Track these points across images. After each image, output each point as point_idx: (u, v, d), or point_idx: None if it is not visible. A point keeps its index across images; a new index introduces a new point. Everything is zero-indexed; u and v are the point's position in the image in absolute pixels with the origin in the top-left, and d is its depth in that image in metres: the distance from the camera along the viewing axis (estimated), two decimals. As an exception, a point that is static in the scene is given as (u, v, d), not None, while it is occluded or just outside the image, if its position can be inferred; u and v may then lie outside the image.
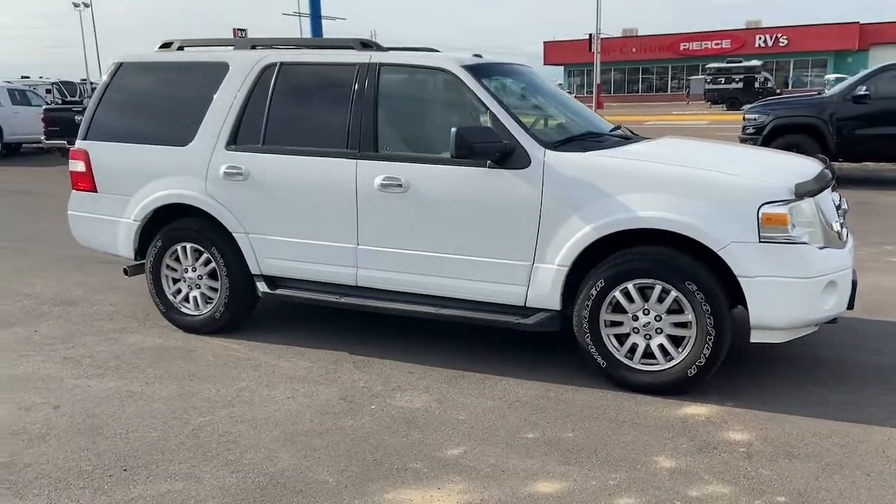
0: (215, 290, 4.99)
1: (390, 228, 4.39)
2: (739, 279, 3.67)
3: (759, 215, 3.64)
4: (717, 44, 56.40)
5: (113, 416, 3.78)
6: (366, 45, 4.76)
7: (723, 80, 41.81)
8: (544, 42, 61.90)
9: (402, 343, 4.77)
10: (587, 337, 4.00)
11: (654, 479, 3.07)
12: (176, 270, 5.11)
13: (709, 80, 42.51)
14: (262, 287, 4.83)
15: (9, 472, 3.21)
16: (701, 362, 3.79)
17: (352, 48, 4.77)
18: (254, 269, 4.84)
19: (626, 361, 3.96)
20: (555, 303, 4.07)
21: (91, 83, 41.00)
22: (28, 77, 35.33)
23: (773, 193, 3.67)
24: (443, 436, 3.49)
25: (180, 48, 5.33)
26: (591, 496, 2.95)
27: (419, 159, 4.35)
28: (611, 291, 3.92)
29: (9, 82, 23.13)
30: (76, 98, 27.33)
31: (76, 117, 16.54)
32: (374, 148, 4.43)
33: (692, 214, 3.72)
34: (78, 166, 5.29)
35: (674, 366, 3.86)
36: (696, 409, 3.75)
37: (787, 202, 3.65)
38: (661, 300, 3.84)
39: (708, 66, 44.87)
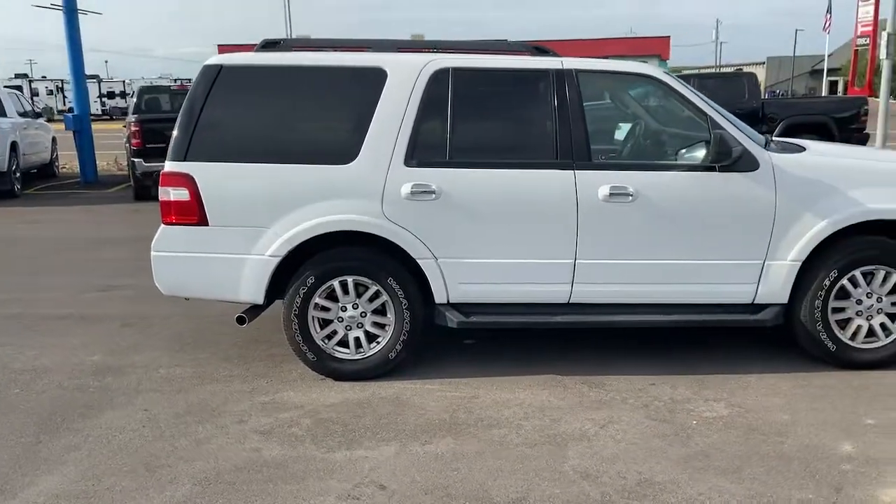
0: (381, 326, 4.34)
1: (616, 240, 4.27)
2: None
3: None
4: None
5: (471, 482, 3.18)
6: (540, 50, 4.54)
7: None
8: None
9: (591, 356, 4.64)
10: (818, 325, 4.35)
11: None
12: (329, 310, 4.32)
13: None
14: (453, 317, 4.31)
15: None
16: (920, 332, 4.38)
17: (524, 53, 4.51)
18: (440, 299, 4.32)
19: (852, 343, 4.40)
20: (784, 297, 4.35)
21: None
22: None
23: None
24: (817, 439, 3.55)
25: (289, 49, 4.50)
26: None
27: (646, 167, 4.31)
28: (840, 280, 4.32)
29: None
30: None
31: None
32: (588, 157, 4.27)
33: (915, 204, 4.27)
34: (178, 195, 4.18)
35: (895, 340, 4.40)
36: (927, 374, 4.33)
37: None
38: (883, 283, 4.34)
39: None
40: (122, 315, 5.70)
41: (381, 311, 4.33)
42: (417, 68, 4.29)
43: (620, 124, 5.65)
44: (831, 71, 54.79)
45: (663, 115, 4.85)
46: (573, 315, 4.36)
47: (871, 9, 27.68)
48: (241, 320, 4.35)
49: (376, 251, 4.27)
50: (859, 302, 4.37)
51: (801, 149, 4.59)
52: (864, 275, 4.34)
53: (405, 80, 4.27)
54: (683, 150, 4.30)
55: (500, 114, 4.42)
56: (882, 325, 4.40)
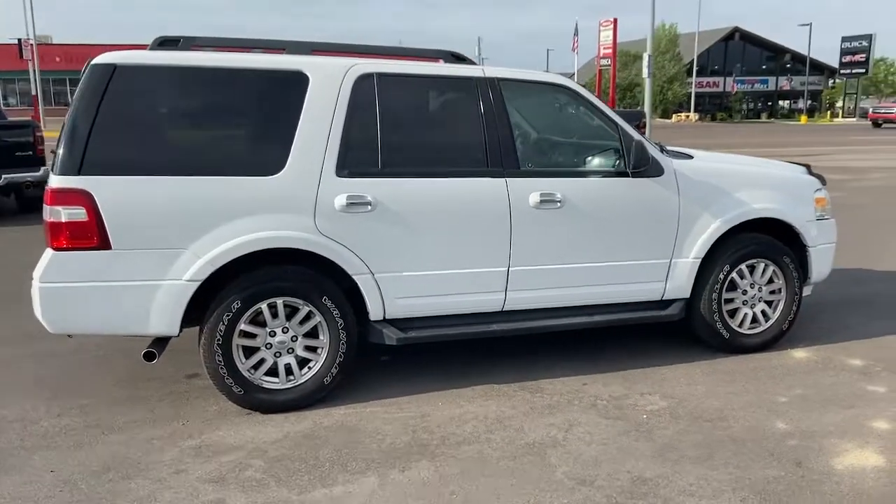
0: (314, 349, 4.04)
1: (547, 246, 4.34)
2: (809, 248, 4.95)
3: (814, 199, 4.98)
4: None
5: (479, 506, 3.04)
6: (457, 57, 4.49)
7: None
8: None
9: (513, 361, 4.67)
10: (715, 315, 4.76)
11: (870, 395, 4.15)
12: (255, 337, 3.91)
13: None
14: (392, 334, 4.12)
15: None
16: (791, 318, 4.96)
17: (439, 59, 4.44)
18: (376, 315, 4.10)
19: (740, 330, 4.87)
20: (687, 292, 4.71)
21: None
22: None
23: (816, 183, 5.07)
24: (753, 420, 3.89)
25: (189, 48, 4.02)
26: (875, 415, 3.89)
27: (570, 173, 4.44)
28: (731, 274, 4.77)
29: None
30: None
31: None
32: (517, 165, 4.31)
33: (783, 203, 4.84)
34: (72, 214, 3.55)
35: (772, 324, 4.94)
36: (801, 353, 4.91)
37: (822, 188, 5.09)
38: (762, 274, 4.86)
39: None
40: (-50, 362, 4.71)
41: (312, 333, 4.01)
42: (340, 73, 4.04)
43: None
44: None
45: (566, 124, 5.02)
46: (508, 323, 4.37)
47: (611, 33, 31.10)
48: (150, 356, 3.80)
49: (309, 269, 3.94)
50: (745, 292, 4.86)
51: (690, 156, 5.00)
52: (748, 267, 4.83)
53: (329, 84, 4.00)
54: (590, 157, 4.50)
55: (429, 121, 4.33)
56: (763, 312, 4.92)
